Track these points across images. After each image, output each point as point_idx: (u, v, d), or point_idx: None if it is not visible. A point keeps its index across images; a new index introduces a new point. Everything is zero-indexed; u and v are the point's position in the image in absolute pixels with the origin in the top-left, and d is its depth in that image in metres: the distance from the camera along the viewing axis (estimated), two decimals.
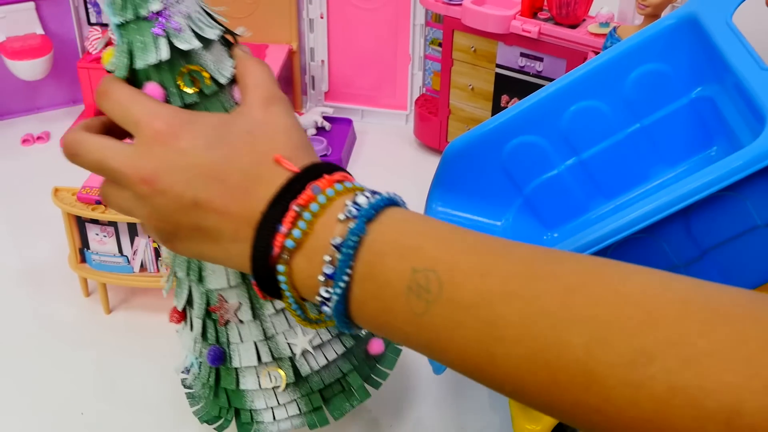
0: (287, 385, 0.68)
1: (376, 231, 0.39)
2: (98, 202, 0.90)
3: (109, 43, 1.28)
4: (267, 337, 0.67)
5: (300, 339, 0.68)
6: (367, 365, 0.74)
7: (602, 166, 0.74)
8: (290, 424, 0.71)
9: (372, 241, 0.38)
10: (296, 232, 0.40)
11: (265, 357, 0.67)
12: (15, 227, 1.11)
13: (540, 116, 0.69)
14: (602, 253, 0.53)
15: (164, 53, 0.54)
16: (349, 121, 1.28)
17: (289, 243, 0.40)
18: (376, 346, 0.73)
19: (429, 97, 1.28)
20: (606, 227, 0.51)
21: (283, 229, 0.40)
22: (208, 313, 0.66)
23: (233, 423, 0.71)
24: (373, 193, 0.41)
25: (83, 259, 0.94)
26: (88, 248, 0.92)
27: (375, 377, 0.75)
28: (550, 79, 1.10)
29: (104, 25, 1.30)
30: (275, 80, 0.49)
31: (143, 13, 0.54)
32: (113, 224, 0.90)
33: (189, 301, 0.68)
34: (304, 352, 0.68)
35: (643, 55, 0.67)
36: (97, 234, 0.91)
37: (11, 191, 1.19)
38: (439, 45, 1.21)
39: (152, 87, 0.55)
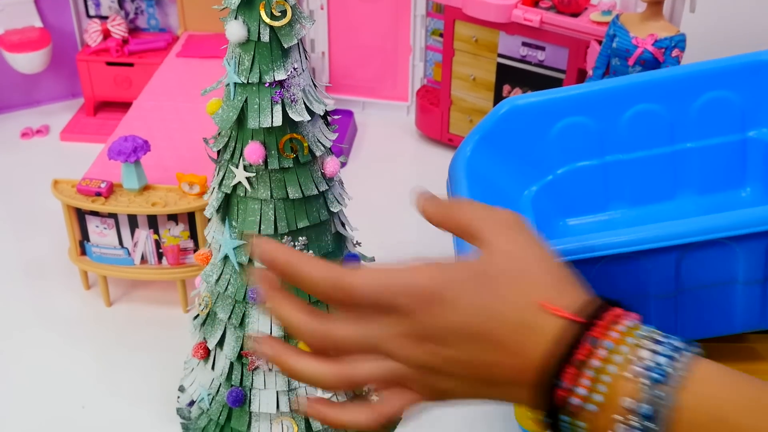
0: None
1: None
2: (98, 194, 0.89)
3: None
4: (290, 389, 0.70)
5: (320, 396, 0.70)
6: None
7: (638, 173, 0.70)
8: None
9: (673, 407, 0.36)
10: (580, 390, 0.37)
11: (284, 407, 0.70)
12: (15, 221, 1.11)
13: (607, 103, 0.67)
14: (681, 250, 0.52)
15: (278, 119, 0.60)
16: (350, 113, 1.27)
17: (574, 401, 0.37)
18: None
19: (430, 88, 1.27)
20: (696, 224, 0.51)
21: (564, 384, 0.38)
22: (239, 357, 0.69)
23: None
24: (657, 341, 0.37)
25: (83, 252, 0.93)
26: (88, 240, 0.92)
27: None
28: (553, 69, 1.10)
29: (103, 18, 1.29)
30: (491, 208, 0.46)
31: (267, 79, 0.59)
32: (113, 216, 0.89)
33: (220, 342, 0.70)
34: None
35: (725, 80, 0.67)
36: (97, 226, 0.90)
37: (10, 185, 1.18)
38: (440, 35, 1.20)
39: (255, 146, 0.60)
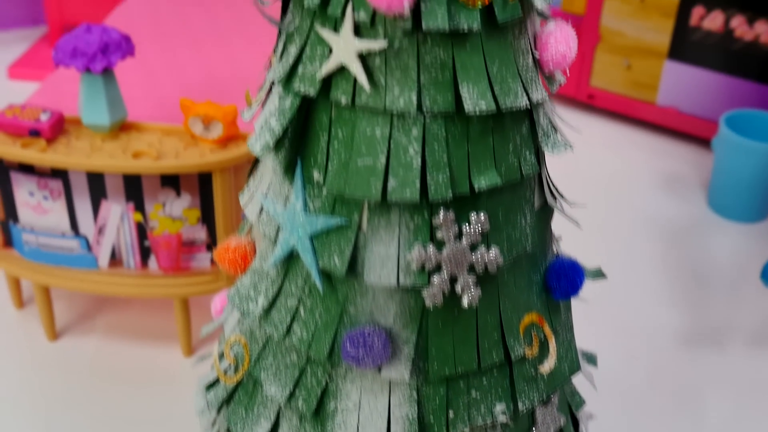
0: None
1: None
2: (35, 132, 0.48)
3: None
4: None
5: None
6: None
7: None
8: None
9: None
10: None
11: None
12: None
13: None
14: None
15: None
16: None
17: None
18: None
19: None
20: None
21: None
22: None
23: None
24: None
25: (8, 241, 0.53)
26: (16, 221, 0.52)
27: None
28: None
29: None
30: None
31: None
32: (61, 176, 0.50)
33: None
34: None
35: None
36: (31, 194, 0.51)
37: None
38: None
39: None
